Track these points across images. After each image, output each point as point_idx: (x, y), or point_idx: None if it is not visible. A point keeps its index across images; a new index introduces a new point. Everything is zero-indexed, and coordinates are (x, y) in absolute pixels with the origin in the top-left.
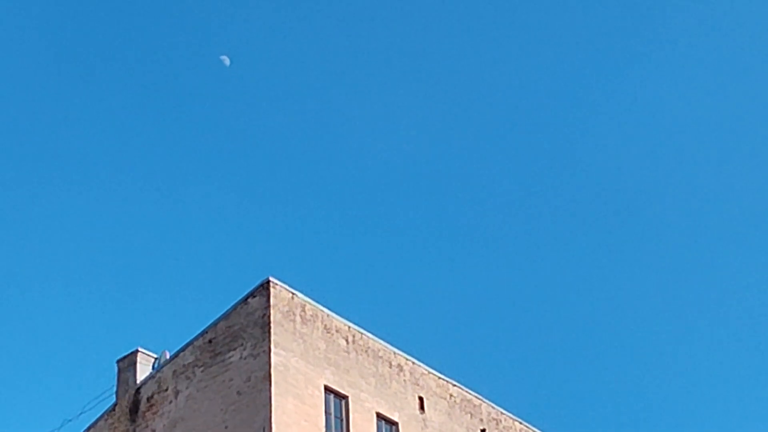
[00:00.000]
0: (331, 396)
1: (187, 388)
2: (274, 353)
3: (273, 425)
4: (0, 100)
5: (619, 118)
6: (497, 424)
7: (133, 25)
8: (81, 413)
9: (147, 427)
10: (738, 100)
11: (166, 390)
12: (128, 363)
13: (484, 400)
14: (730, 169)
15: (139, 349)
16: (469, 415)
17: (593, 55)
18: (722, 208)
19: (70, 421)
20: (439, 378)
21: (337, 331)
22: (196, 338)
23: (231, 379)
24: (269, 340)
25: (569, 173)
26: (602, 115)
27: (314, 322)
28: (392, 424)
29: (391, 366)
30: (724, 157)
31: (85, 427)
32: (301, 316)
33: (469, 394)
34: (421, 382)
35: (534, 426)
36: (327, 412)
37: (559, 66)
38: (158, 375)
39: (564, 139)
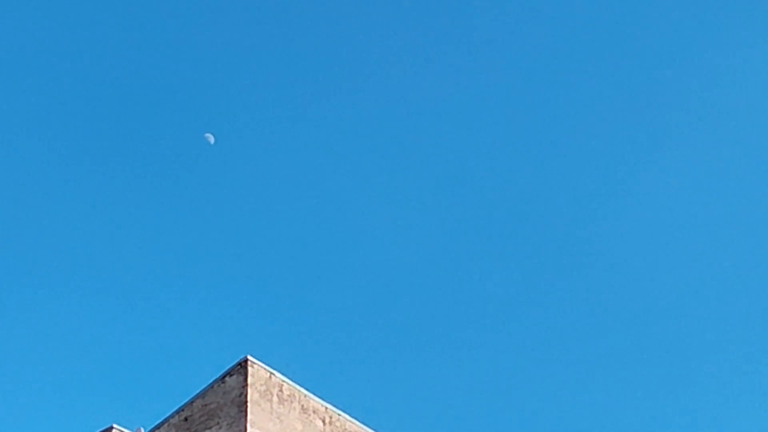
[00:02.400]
0: None
1: None
2: None
3: None
4: None
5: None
6: None
7: (115, 104)
8: None
9: None
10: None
11: None
12: None
13: None
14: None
15: (114, 426)
16: None
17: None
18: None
19: None
20: None
21: (314, 411)
22: (171, 416)
23: None
24: (246, 420)
25: (571, 290)
26: (612, 236)
27: (291, 402)
28: None
29: None
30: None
31: None
32: (278, 395)
33: None
34: None
35: None
36: None
37: (569, 178)
38: None
39: (568, 254)
